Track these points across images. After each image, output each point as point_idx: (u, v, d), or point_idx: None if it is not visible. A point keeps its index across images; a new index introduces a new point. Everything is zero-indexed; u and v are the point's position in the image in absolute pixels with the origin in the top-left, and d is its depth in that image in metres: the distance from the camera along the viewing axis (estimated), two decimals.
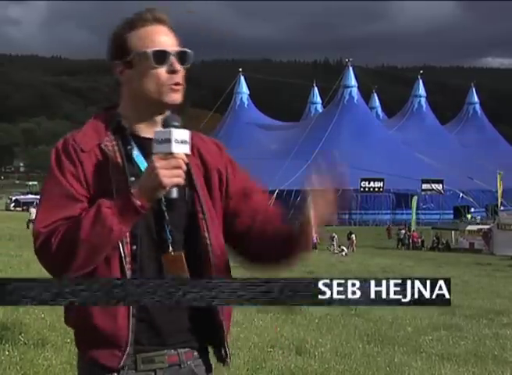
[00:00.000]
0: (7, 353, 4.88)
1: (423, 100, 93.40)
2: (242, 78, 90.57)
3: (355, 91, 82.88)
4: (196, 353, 1.76)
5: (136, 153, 1.71)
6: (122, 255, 1.64)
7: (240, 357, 5.46)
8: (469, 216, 60.22)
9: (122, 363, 1.65)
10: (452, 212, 67.08)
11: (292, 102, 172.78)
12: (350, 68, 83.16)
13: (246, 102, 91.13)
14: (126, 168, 1.68)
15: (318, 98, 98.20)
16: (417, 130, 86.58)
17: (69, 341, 5.29)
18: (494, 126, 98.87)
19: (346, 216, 67.62)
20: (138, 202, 1.58)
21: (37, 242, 1.62)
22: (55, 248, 1.60)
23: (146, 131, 1.74)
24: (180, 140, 1.59)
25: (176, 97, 1.71)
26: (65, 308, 1.73)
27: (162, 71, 1.69)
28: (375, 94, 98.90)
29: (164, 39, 1.71)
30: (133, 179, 1.66)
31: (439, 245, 45.12)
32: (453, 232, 45.78)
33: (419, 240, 46.73)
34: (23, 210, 58.99)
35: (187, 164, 1.67)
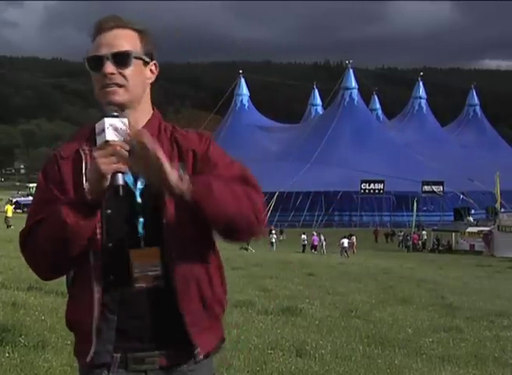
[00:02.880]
0: (7, 355, 4.87)
1: (423, 102, 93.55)
2: (242, 80, 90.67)
3: (355, 92, 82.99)
4: (194, 358, 1.73)
5: None
6: (91, 251, 1.69)
7: (241, 359, 5.46)
8: (470, 218, 60.14)
9: (89, 359, 1.69)
10: (452, 213, 67.08)
11: (292, 104, 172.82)
12: (351, 70, 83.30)
13: (246, 104, 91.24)
14: None
15: (318, 100, 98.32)
16: (418, 131, 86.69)
17: (69, 342, 5.28)
18: (494, 127, 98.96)
19: (347, 218, 67.63)
20: (88, 195, 1.63)
21: (19, 245, 1.77)
22: (29, 249, 1.74)
23: None
24: (114, 127, 1.61)
25: (111, 98, 1.73)
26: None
27: (99, 74, 1.74)
28: (376, 96, 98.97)
29: (102, 43, 1.74)
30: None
31: (439, 247, 45.14)
32: (453, 234, 45.79)
33: (419, 242, 46.72)
34: (23, 212, 58.93)
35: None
